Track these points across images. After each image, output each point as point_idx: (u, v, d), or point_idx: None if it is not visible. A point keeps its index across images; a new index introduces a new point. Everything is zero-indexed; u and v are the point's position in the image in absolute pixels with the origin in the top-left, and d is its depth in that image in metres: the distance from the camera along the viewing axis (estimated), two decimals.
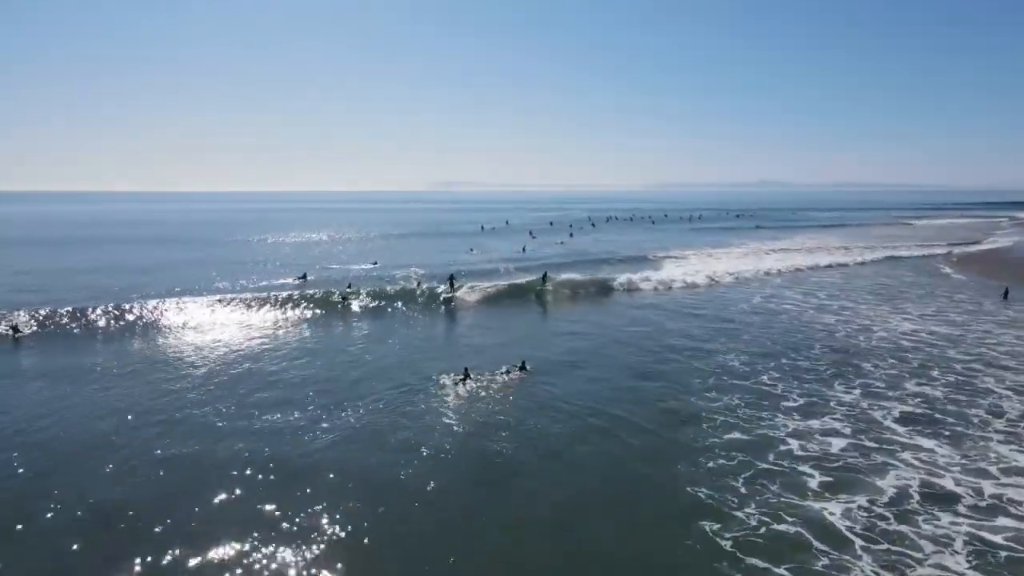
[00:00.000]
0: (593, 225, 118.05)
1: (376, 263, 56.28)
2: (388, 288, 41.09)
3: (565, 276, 45.68)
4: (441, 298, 40.04)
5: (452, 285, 41.71)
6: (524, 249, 70.58)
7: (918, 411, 20.60)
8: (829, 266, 58.22)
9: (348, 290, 40.02)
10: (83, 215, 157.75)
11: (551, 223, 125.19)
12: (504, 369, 24.74)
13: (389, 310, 37.45)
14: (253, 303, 36.41)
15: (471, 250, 69.49)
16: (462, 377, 23.72)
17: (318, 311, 36.11)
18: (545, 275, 44.71)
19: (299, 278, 46.35)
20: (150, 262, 55.69)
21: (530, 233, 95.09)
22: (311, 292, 38.99)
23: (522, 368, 24.79)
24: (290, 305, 36.61)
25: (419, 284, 43.20)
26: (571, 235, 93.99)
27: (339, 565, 12.33)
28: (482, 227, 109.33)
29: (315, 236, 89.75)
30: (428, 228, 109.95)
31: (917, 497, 15.00)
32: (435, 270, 50.85)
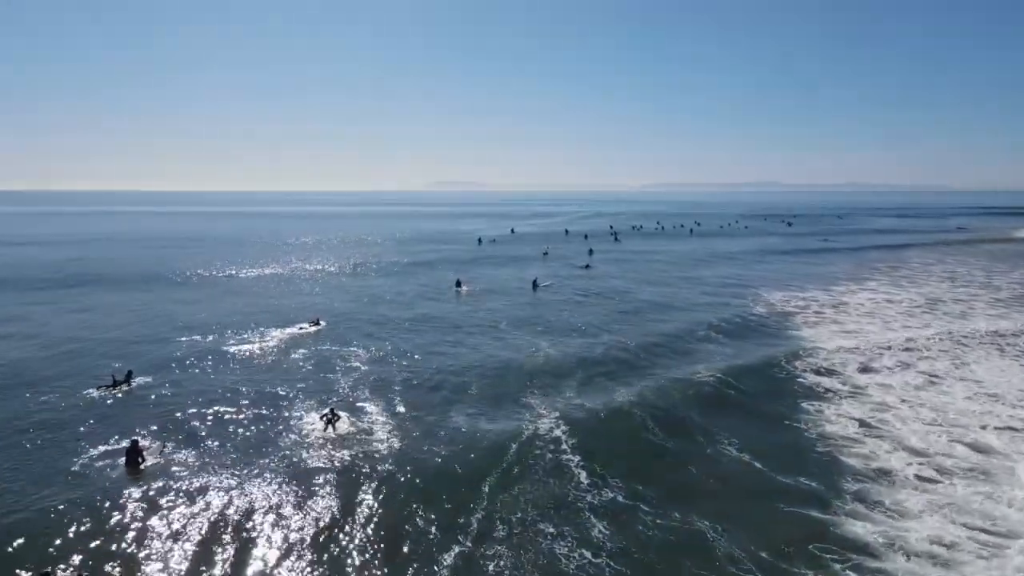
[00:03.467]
0: (616, 238, 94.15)
1: (319, 322, 33.92)
2: None
3: None
4: None
5: None
6: (535, 284, 48.30)
7: None
8: None
9: None
10: None
11: (567, 231, 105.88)
12: None
13: None
14: None
15: (458, 285, 47.37)
16: None
17: None
18: None
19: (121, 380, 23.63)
20: None
21: (544, 251, 73.04)
22: None
23: None
24: None
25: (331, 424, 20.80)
26: (591, 252, 72.07)
27: None
28: (480, 240, 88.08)
29: (255, 269, 60.19)
30: (414, 245, 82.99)
31: None
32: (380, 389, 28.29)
